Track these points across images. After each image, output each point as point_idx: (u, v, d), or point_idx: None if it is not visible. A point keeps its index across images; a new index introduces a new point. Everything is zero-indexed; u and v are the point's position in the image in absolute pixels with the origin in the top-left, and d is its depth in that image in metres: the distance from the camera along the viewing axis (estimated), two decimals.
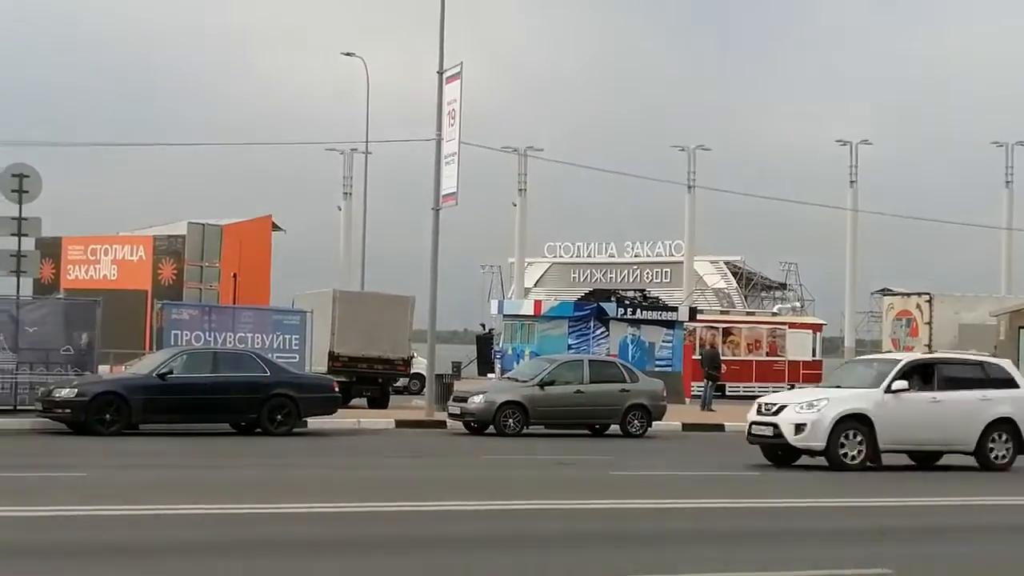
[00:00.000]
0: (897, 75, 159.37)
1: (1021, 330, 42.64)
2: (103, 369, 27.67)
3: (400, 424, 26.67)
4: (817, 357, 48.78)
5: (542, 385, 25.90)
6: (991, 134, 73.61)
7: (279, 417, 23.76)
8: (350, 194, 56.58)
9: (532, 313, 42.88)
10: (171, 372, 23.40)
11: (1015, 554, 12.46)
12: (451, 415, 26.21)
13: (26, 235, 25.14)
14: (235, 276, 43.08)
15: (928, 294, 47.93)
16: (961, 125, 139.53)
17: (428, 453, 21.78)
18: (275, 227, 48.76)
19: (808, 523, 14.33)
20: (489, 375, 42.99)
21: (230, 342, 28.17)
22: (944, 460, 21.01)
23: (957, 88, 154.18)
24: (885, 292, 51.61)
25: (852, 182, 54.66)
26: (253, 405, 23.72)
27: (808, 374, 47.54)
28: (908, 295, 49.15)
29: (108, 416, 22.44)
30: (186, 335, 28.45)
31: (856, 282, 54.63)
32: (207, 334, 28.61)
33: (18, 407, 24.57)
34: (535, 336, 41.05)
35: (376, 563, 10.65)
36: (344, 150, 55.99)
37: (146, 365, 24.78)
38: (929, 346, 46.67)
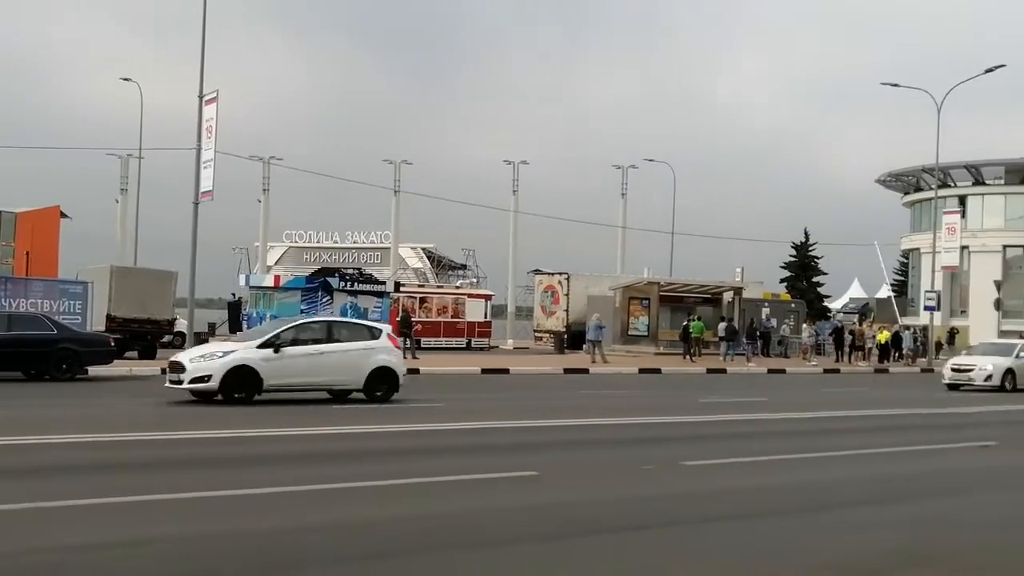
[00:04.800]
0: (552, 114, 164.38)
1: (631, 300, 44.81)
2: None
3: (165, 371, 25.40)
4: (488, 319, 49.71)
5: None
6: (613, 159, 77.14)
7: (64, 366, 22.56)
8: (126, 190, 53.64)
9: (273, 285, 41.91)
10: None
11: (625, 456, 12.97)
12: None
13: None
14: (28, 254, 40.44)
15: (566, 273, 49.63)
16: (594, 151, 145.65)
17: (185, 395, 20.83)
18: (63, 215, 45.80)
19: (482, 439, 14.32)
20: (238, 333, 41.65)
21: (24, 307, 26.30)
22: None
23: (593, 124, 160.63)
24: (537, 272, 53.09)
25: (515, 191, 55.85)
26: (42, 357, 22.38)
27: (481, 331, 48.46)
28: (552, 274, 50.76)
29: None
30: None
31: (517, 264, 55.88)
32: (3, 300, 26.64)
33: None
34: (275, 303, 40.14)
35: (121, 482, 9.99)
36: (122, 155, 53.21)
37: None
38: (567, 311, 48.47)
